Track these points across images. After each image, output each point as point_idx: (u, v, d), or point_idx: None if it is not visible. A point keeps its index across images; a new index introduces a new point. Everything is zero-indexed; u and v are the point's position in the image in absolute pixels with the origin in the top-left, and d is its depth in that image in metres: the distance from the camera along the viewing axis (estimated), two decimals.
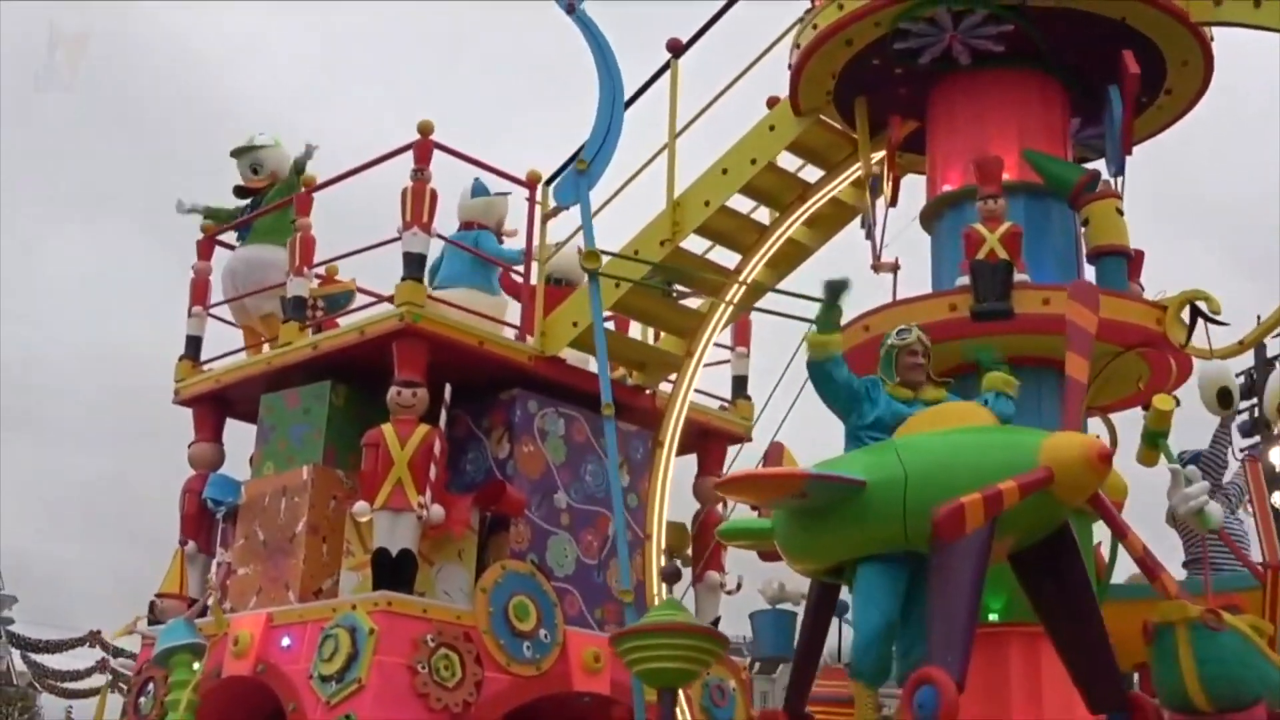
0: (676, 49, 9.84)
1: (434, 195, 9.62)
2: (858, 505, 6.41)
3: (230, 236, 11.40)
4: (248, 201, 11.31)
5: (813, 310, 7.05)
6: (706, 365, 10.25)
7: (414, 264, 9.49)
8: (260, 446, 10.29)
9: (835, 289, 6.89)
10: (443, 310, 9.62)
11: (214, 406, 10.92)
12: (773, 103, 9.83)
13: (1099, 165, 8.68)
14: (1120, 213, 8.04)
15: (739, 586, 10.87)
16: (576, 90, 10.67)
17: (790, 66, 8.86)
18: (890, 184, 8.69)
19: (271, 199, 11.11)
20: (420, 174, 9.58)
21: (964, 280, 7.70)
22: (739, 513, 8.43)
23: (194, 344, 11.12)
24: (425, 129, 9.65)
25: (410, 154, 9.67)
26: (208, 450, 10.84)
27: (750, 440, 11.25)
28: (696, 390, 11.05)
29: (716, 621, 10.72)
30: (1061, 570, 6.47)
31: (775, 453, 7.69)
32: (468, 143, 10.26)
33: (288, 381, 10.22)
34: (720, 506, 10.96)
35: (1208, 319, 7.69)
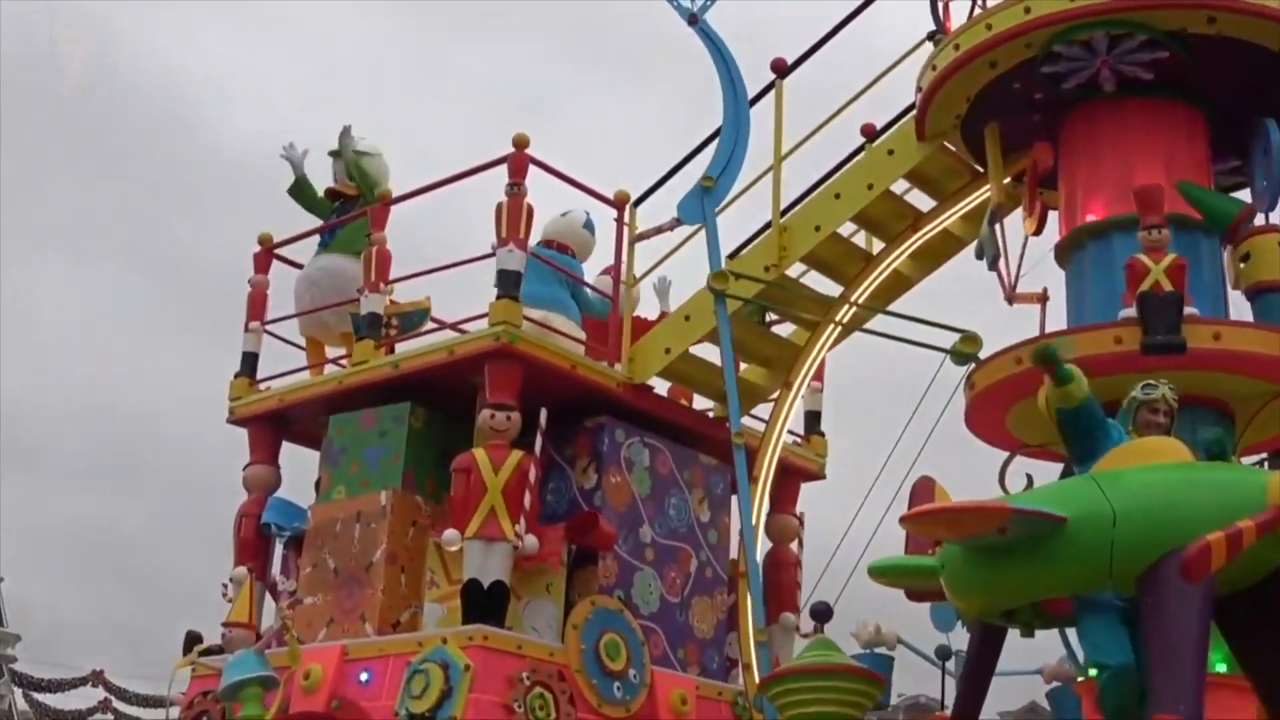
0: (781, 69, 9.54)
1: (530, 211, 9.22)
2: (1057, 543, 6.05)
3: (291, 251, 10.96)
4: (336, 204, 10.83)
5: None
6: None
7: (509, 282, 9.06)
8: (328, 469, 9.76)
9: (1053, 360, 6.55)
10: (536, 331, 9.20)
11: (271, 427, 10.40)
12: (868, 130, 9.56)
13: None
14: None
15: (815, 629, 10.46)
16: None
17: (920, 88, 8.57)
18: (1037, 212, 8.36)
19: (363, 206, 10.64)
20: (516, 189, 9.18)
21: (1127, 312, 7.43)
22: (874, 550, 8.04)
23: (250, 361, 10.59)
24: (521, 142, 9.24)
25: (504, 168, 9.31)
26: (264, 472, 10.31)
27: (824, 478, 10.92)
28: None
29: None
30: (1273, 618, 6.13)
31: (925, 488, 7.32)
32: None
33: (359, 402, 9.73)
34: (794, 545, 10.63)
35: None
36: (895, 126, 9.08)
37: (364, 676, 8.72)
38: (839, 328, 9.14)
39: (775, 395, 10.37)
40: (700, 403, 10.41)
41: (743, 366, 10.24)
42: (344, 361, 10.67)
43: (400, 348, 9.99)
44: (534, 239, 9.82)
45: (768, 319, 9.89)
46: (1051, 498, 6.18)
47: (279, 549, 10.13)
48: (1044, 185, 8.98)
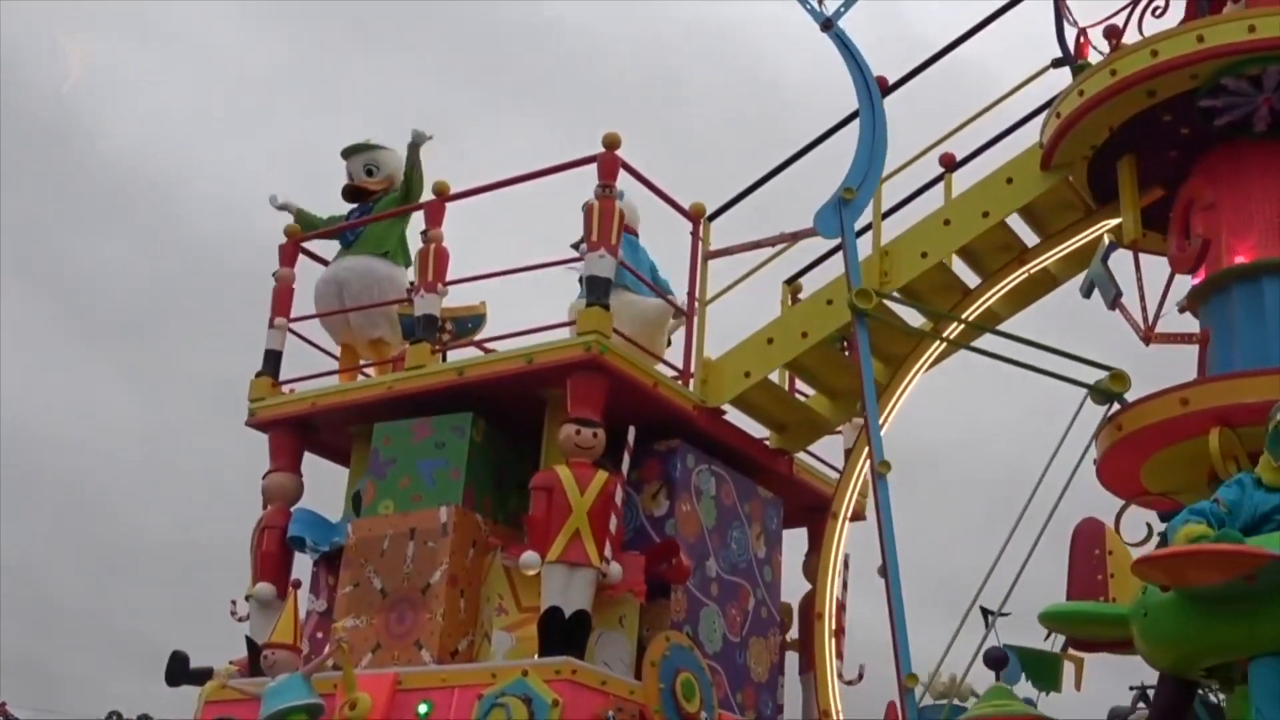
0: (884, 88, 9.13)
1: (622, 215, 8.63)
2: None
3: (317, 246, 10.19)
4: (354, 206, 10.09)
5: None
6: None
7: (599, 289, 8.45)
8: (373, 481, 8.94)
9: None
10: (622, 344, 8.57)
11: (295, 432, 9.56)
12: (948, 161, 9.20)
13: None
14: None
15: (860, 676, 9.96)
16: None
17: (1059, 114, 8.20)
18: (1195, 250, 7.97)
19: (386, 205, 9.93)
20: (607, 191, 8.59)
21: None
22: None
23: (273, 359, 9.76)
24: (612, 142, 8.67)
25: (590, 170, 8.71)
26: (287, 481, 9.47)
27: (865, 519, 10.46)
28: (813, 457, 10.35)
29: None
30: None
31: (1095, 531, 6.92)
32: None
33: (408, 410, 8.97)
34: (840, 588, 10.12)
35: None
36: (1017, 153, 8.67)
37: (423, 709, 7.93)
38: (939, 350, 8.68)
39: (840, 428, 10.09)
40: (755, 430, 9.88)
41: (811, 393, 9.80)
42: (370, 370, 9.96)
43: (452, 355, 9.31)
44: None
45: (846, 349, 9.40)
46: None
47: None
48: (1148, 226, 8.74)
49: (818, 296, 9.00)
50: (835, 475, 10.22)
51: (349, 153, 10.23)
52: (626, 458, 8.35)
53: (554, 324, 8.86)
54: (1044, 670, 9.05)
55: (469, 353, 9.39)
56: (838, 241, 9.67)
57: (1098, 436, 7.80)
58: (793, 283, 10.17)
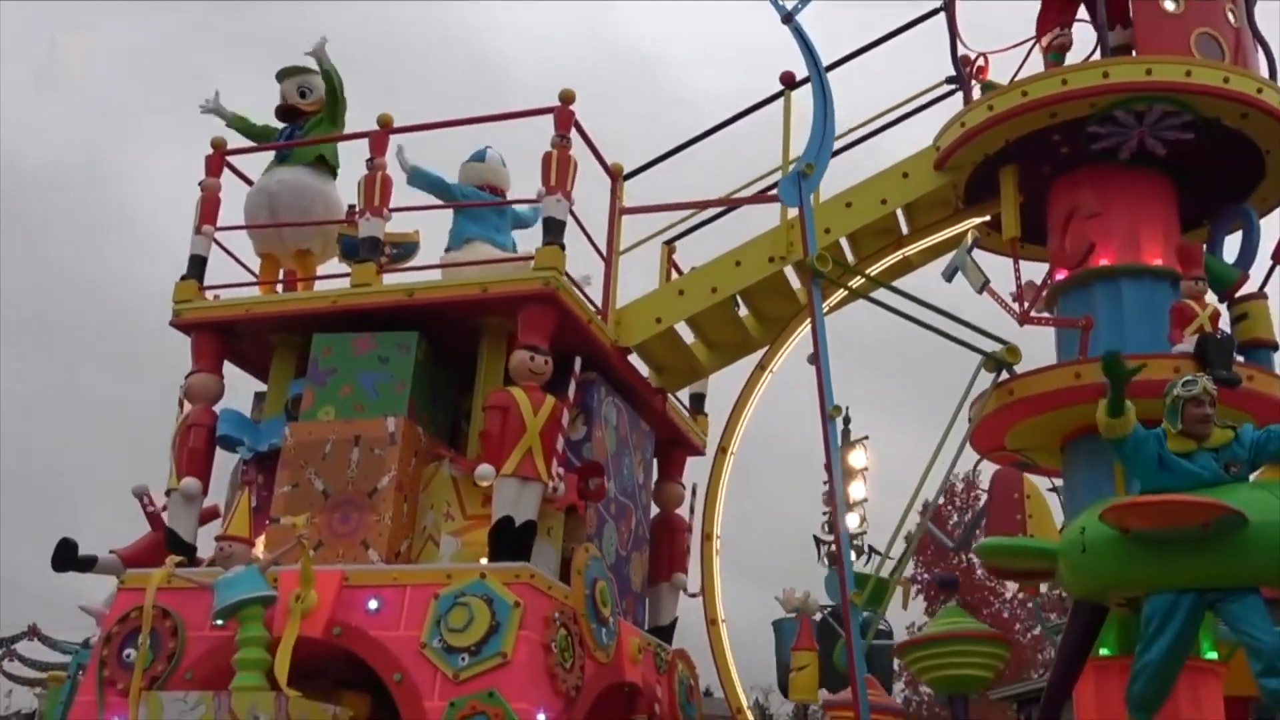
0: (789, 82, 8.93)
1: (575, 164, 8.09)
2: (1240, 541, 5.89)
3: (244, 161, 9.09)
4: (285, 126, 9.06)
5: None
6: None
7: (556, 229, 7.90)
8: (312, 388, 8.04)
9: (1123, 372, 6.27)
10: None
11: (217, 336, 8.50)
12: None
13: None
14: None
15: (702, 590, 9.80)
16: None
17: (962, 124, 8.22)
18: (1084, 251, 8.09)
19: (317, 126, 8.97)
20: (564, 141, 8.03)
21: (1182, 348, 7.39)
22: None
23: (198, 264, 8.64)
24: (567, 98, 8.10)
25: (549, 120, 8.09)
26: (210, 382, 8.42)
27: (703, 454, 10.29)
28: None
29: (674, 623, 9.63)
30: None
31: (1013, 478, 6.97)
32: None
33: (347, 325, 8.14)
34: (685, 512, 9.92)
35: None
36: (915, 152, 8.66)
37: (373, 604, 7.24)
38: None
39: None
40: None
41: (691, 340, 9.52)
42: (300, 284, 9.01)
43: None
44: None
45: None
46: (1235, 499, 6.00)
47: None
48: (992, 227, 8.93)
49: (727, 258, 8.72)
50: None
51: (283, 75, 9.16)
52: (573, 384, 7.88)
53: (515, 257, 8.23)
54: (870, 590, 9.18)
55: (409, 277, 8.59)
56: (720, 210, 9.57)
57: (982, 399, 7.94)
58: (671, 244, 9.90)
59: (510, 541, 7.39)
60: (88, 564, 9.17)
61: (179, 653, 7.47)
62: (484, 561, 7.49)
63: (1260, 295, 8.18)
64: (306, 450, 7.85)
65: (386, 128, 8.51)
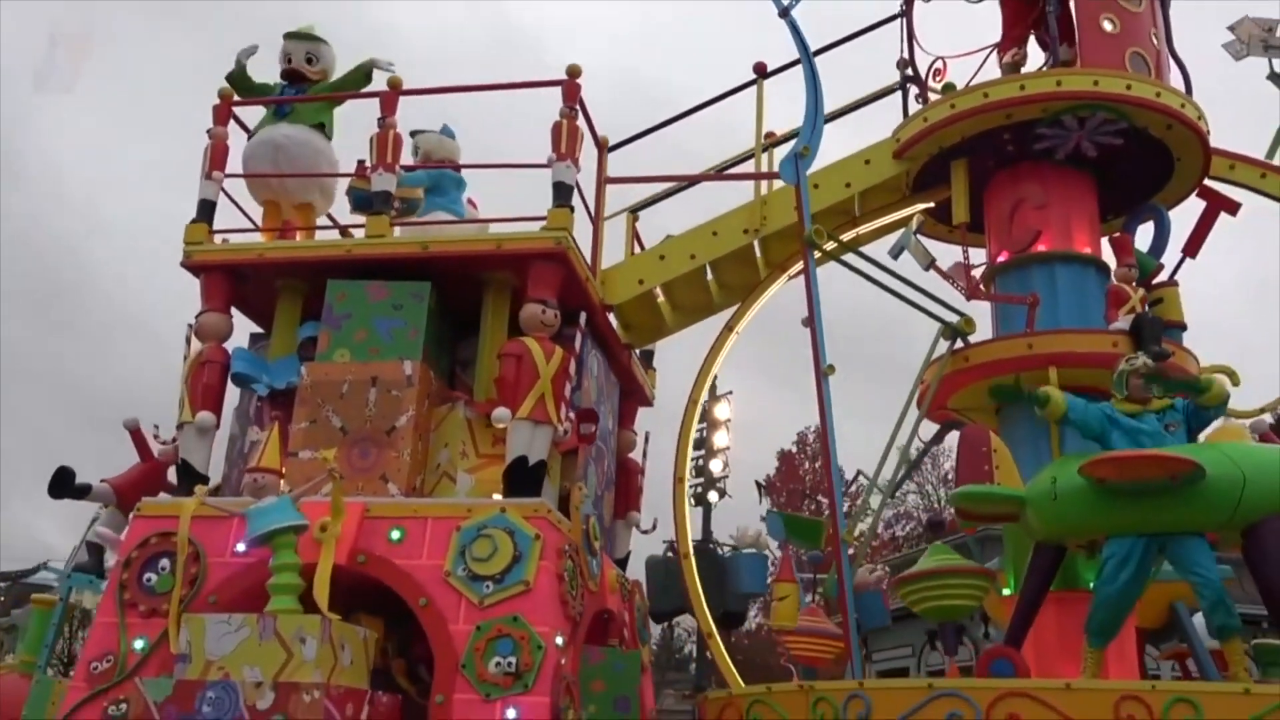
0: (762, 72, 9.03)
1: (580, 134, 8.02)
2: (1196, 493, 6.26)
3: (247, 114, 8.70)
4: (287, 85, 8.71)
5: None
6: None
7: (564, 193, 7.84)
8: (328, 331, 7.79)
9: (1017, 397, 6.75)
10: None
11: (226, 278, 8.17)
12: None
13: None
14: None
15: (654, 526, 9.90)
16: None
17: (925, 119, 8.43)
18: (1032, 236, 8.36)
19: (320, 89, 8.67)
20: (571, 111, 7.95)
21: (1119, 325, 7.79)
22: None
23: (207, 208, 8.25)
24: (574, 72, 8.03)
25: (551, 91, 7.96)
26: (221, 321, 8.08)
27: (652, 405, 10.37)
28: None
29: (628, 556, 9.72)
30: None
31: (981, 433, 7.23)
32: None
33: (358, 273, 7.92)
34: (640, 457, 9.98)
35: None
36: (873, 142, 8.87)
37: (395, 535, 7.12)
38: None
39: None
40: None
41: (660, 298, 9.54)
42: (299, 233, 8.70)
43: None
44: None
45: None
46: (1197, 457, 6.34)
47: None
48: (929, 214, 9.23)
49: (705, 228, 8.81)
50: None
51: (293, 36, 8.80)
52: (579, 337, 7.85)
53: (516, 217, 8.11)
54: (806, 532, 9.44)
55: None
56: (684, 185, 9.62)
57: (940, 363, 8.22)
58: (635, 213, 9.91)
59: (524, 479, 7.35)
60: (82, 491, 8.76)
61: (201, 577, 7.22)
62: (497, 497, 7.45)
63: (1172, 282, 8.69)
64: (323, 389, 7.63)
65: (396, 89, 8.29)
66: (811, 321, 7.65)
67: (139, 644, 7.13)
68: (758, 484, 19.42)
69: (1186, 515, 6.31)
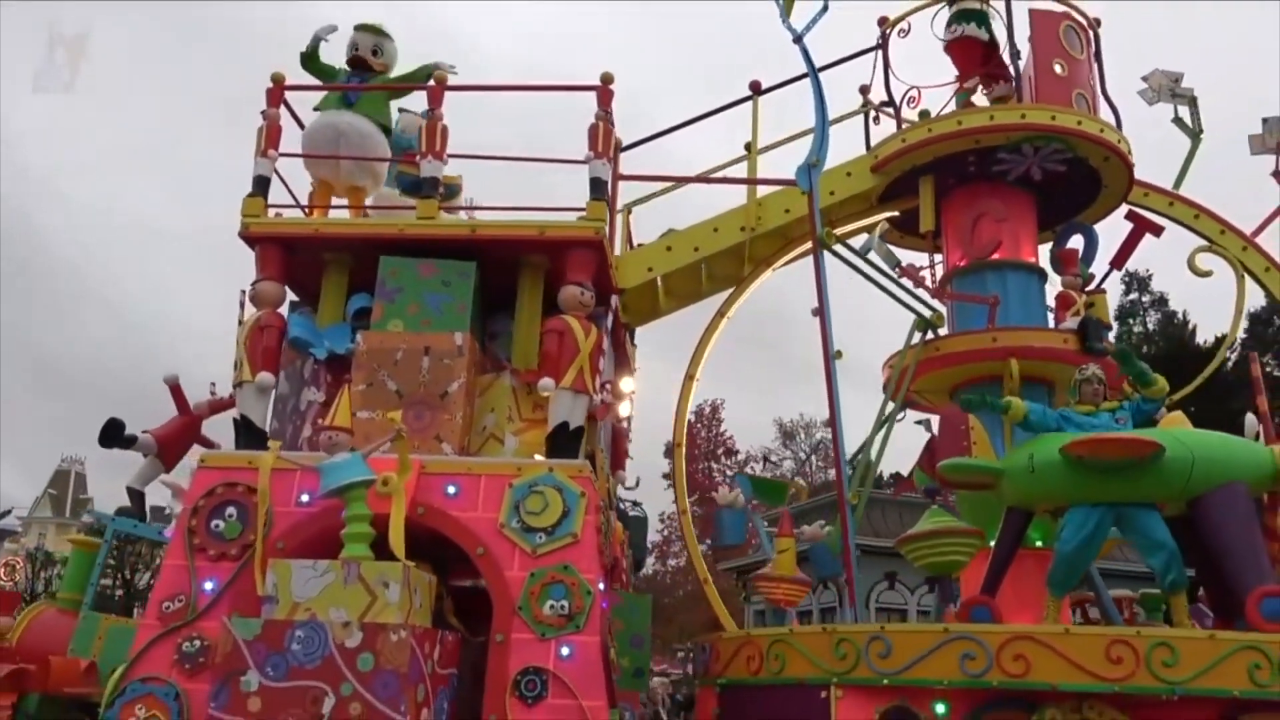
0: (757, 89, 9.23)
1: (617, 137, 8.10)
2: (1156, 469, 6.71)
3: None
4: (352, 73, 8.53)
5: None
6: None
7: (600, 188, 7.91)
8: (382, 303, 7.72)
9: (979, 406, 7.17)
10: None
11: (280, 250, 7.98)
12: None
13: None
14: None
15: (638, 484, 10.08)
16: None
17: (903, 140, 8.76)
18: (993, 245, 8.72)
19: (384, 81, 8.54)
20: (606, 115, 8.01)
21: (1069, 324, 8.26)
22: None
23: (262, 183, 8.03)
24: (608, 79, 8.09)
25: (587, 95, 8.00)
26: (277, 289, 7.93)
27: (633, 374, 10.50)
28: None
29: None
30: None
31: (959, 414, 7.59)
32: None
33: (406, 250, 7.84)
34: (625, 424, 10.13)
35: None
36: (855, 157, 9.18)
37: (451, 489, 7.16)
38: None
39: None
40: None
41: (658, 285, 9.66)
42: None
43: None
44: None
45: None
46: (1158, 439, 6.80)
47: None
48: (904, 229, 9.59)
49: (706, 224, 9.01)
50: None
51: (363, 28, 8.64)
52: (610, 318, 7.96)
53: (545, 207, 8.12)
54: (771, 492, 9.76)
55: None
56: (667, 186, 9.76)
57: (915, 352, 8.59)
58: (629, 208, 10.01)
59: (566, 442, 7.46)
60: (130, 442, 8.50)
61: (268, 525, 7.13)
62: (538, 457, 7.53)
63: (1101, 290, 9.25)
64: (379, 355, 7.58)
65: (441, 84, 8.23)
66: (821, 311, 7.93)
67: (208, 585, 7.02)
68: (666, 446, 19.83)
69: (1145, 488, 6.79)
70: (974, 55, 9.25)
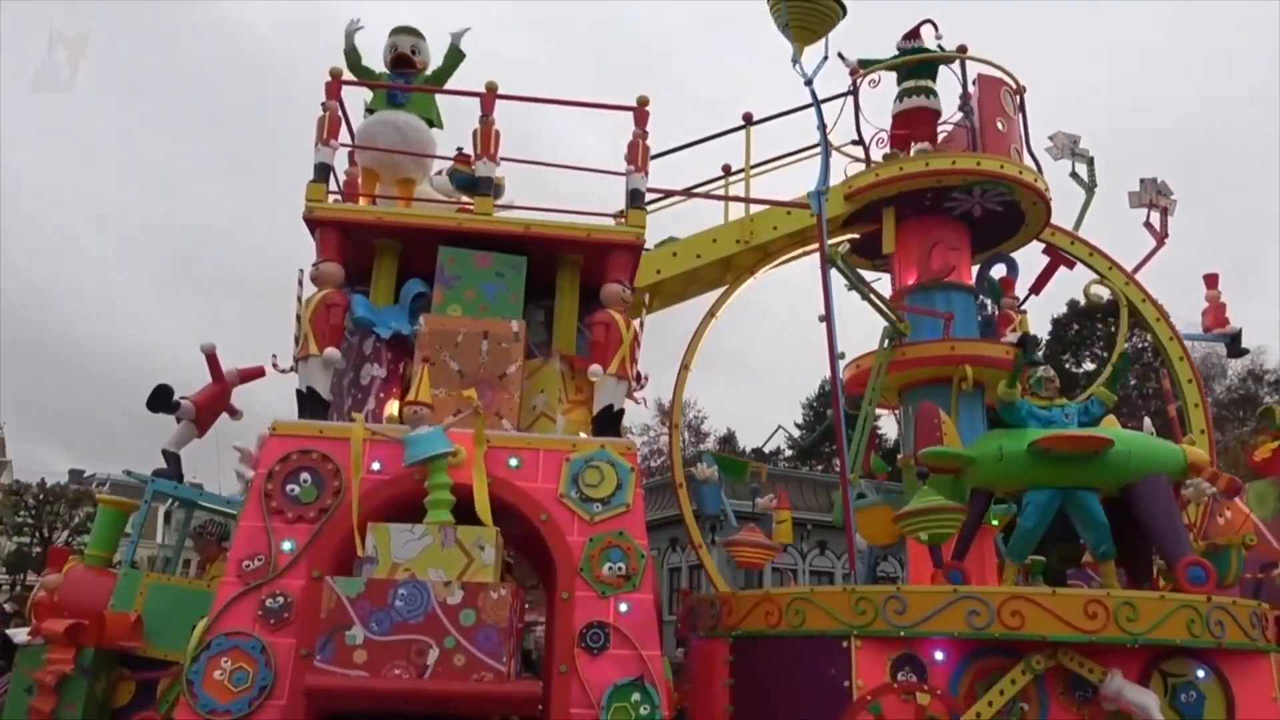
0: (749, 120, 9.34)
1: (649, 150, 8.03)
2: (1104, 460, 7.26)
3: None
4: (396, 72, 8.09)
5: None
6: None
7: (638, 198, 7.83)
8: (442, 288, 7.43)
9: (1027, 355, 7.61)
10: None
11: (339, 234, 7.54)
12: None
13: None
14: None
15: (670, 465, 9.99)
16: None
17: (876, 174, 9.04)
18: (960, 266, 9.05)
19: (425, 81, 8.13)
20: (643, 134, 7.94)
21: (1010, 338, 8.74)
22: None
23: (323, 170, 7.55)
24: (643, 101, 8.01)
25: (628, 115, 7.91)
26: (337, 270, 7.46)
27: None
28: None
29: None
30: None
31: (933, 409, 7.93)
32: None
33: (461, 242, 7.57)
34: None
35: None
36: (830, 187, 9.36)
37: (513, 462, 6.98)
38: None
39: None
40: None
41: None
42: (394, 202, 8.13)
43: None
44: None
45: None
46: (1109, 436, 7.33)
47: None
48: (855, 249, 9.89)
49: (706, 234, 9.07)
50: None
51: (400, 30, 8.20)
52: (643, 311, 7.91)
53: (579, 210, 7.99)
54: (734, 469, 9.95)
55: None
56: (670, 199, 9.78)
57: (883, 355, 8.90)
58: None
59: (611, 423, 7.40)
60: (175, 407, 7.87)
61: (342, 490, 6.76)
62: (583, 435, 7.43)
63: (1021, 311, 9.82)
64: (440, 337, 7.30)
65: (493, 92, 7.96)
66: (828, 317, 8.16)
67: (287, 545, 6.61)
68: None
69: (1093, 476, 7.34)
70: (925, 121, 9.66)
